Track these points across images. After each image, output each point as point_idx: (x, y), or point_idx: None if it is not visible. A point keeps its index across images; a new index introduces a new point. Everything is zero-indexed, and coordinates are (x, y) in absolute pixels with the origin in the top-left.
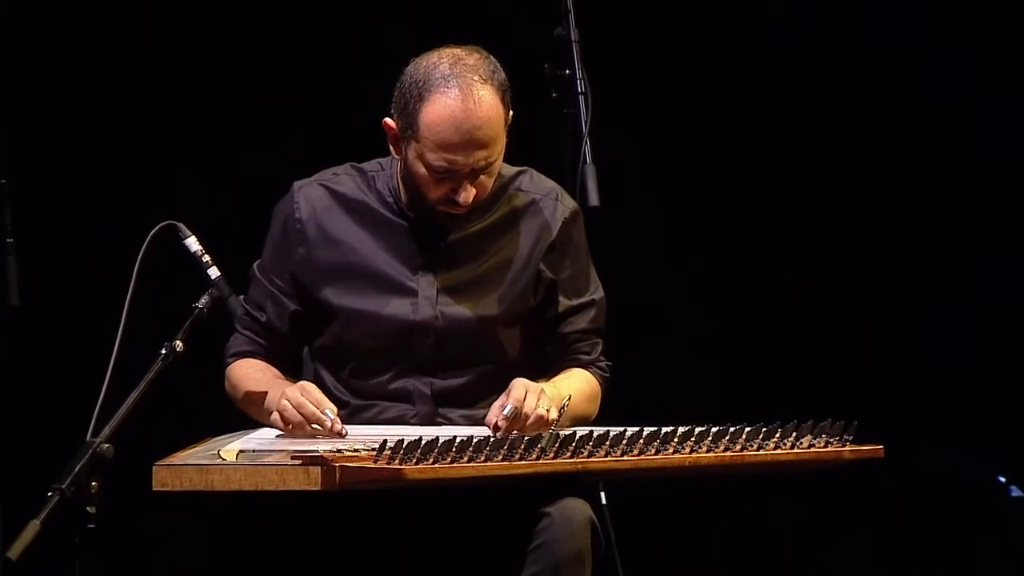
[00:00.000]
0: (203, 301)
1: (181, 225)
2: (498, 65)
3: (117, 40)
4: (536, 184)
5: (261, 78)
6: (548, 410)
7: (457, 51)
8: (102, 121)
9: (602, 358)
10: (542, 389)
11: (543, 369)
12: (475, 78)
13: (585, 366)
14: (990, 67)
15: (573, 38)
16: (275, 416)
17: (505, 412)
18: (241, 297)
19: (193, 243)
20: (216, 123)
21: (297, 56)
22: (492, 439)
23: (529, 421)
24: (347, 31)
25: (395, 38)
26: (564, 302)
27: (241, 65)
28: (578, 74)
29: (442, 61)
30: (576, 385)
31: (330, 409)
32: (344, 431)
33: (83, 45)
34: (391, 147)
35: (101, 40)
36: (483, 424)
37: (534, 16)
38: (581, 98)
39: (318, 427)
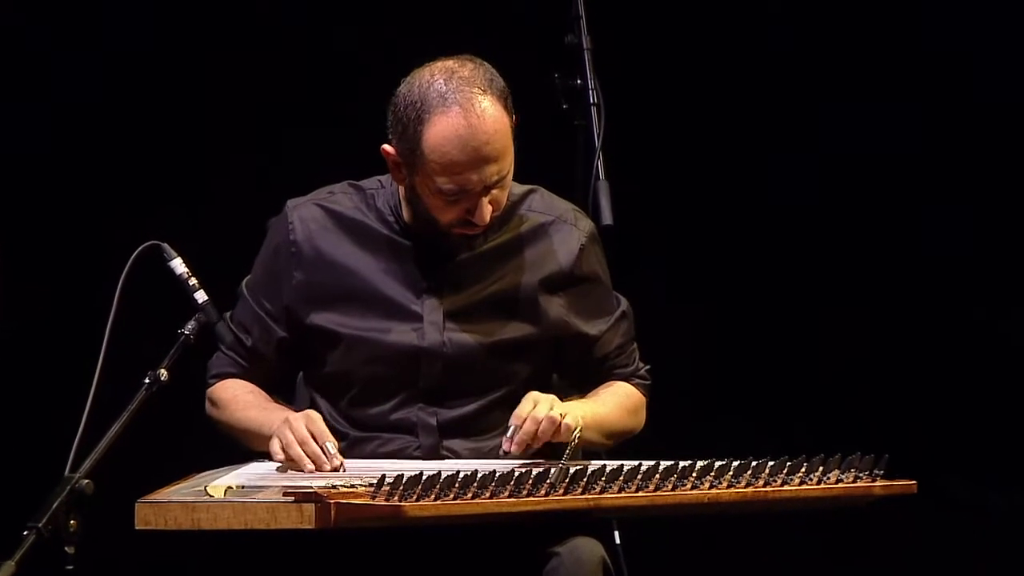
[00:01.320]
0: (189, 327)
1: (166, 246)
2: (495, 71)
3: (101, 51)
4: (547, 204)
5: (250, 89)
6: (561, 414)
7: (449, 63)
8: (79, 135)
9: (641, 365)
10: (553, 398)
11: (578, 390)
12: (474, 90)
13: (626, 379)
14: (992, 66)
15: (585, 46)
16: (276, 446)
17: (508, 434)
18: (228, 314)
19: (179, 265)
20: (201, 138)
21: (290, 65)
22: (498, 474)
23: (540, 428)
24: (345, 40)
25: (396, 48)
26: (599, 326)
27: (229, 76)
28: (590, 84)
29: (435, 78)
30: (614, 400)
31: (332, 443)
32: (343, 466)
33: (65, 56)
34: (392, 174)
35: (84, 51)
36: (490, 456)
37: (543, 23)
38: (593, 109)
39: (317, 470)
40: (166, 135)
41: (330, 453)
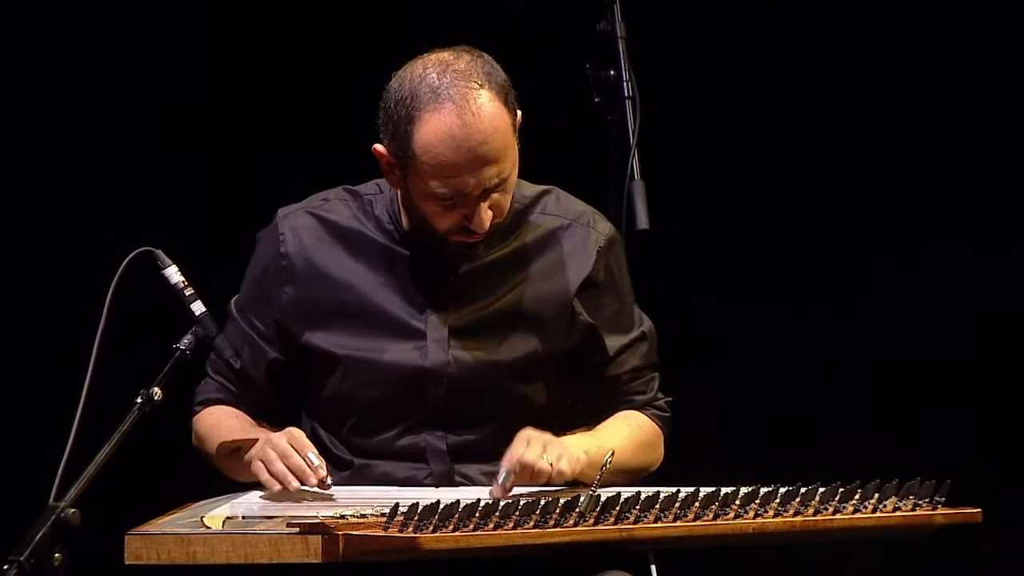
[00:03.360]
0: (185, 341)
1: (159, 252)
2: (495, 64)
3: (91, 49)
4: (563, 206)
5: (248, 86)
6: (552, 462)
7: (444, 55)
8: (67, 133)
9: (660, 395)
10: (547, 440)
11: (591, 417)
12: (470, 85)
13: (640, 408)
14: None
15: (619, 33)
16: (258, 466)
17: (500, 480)
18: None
19: (174, 273)
20: (197, 139)
21: (291, 60)
22: (522, 502)
23: (528, 475)
24: (350, 27)
25: (406, 38)
26: (613, 342)
27: (226, 72)
28: (624, 75)
29: (428, 71)
30: (624, 432)
31: (314, 453)
32: (330, 486)
33: (53, 54)
34: (385, 177)
35: (72, 49)
36: None
37: (574, 8)
38: (628, 103)
39: (303, 484)
40: (159, 134)
41: (314, 464)
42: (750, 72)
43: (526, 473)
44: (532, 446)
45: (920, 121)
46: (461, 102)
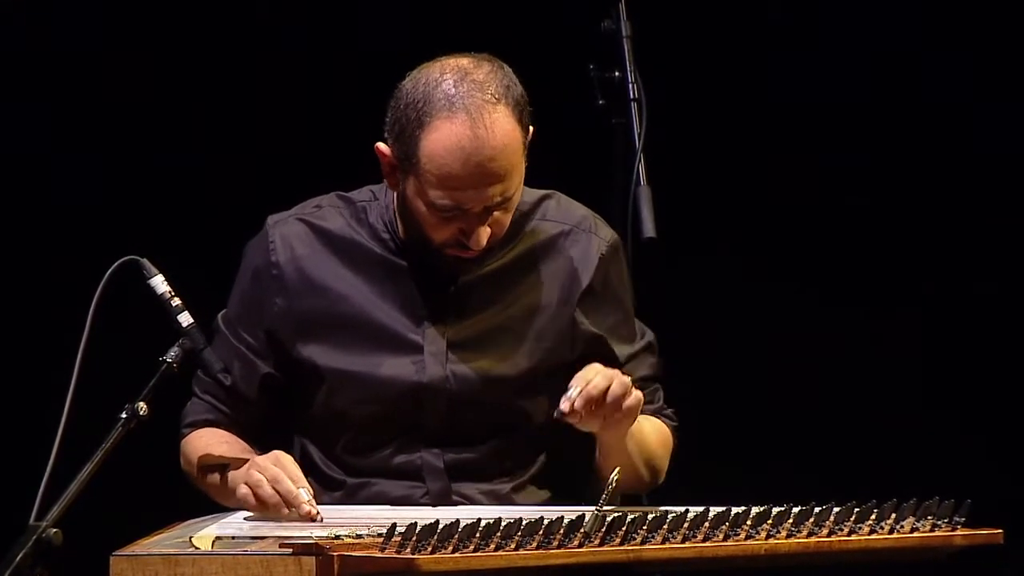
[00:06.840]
0: (172, 354)
1: (145, 261)
2: (513, 77)
3: (78, 58)
4: (564, 212)
5: (241, 89)
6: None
7: (463, 62)
8: (48, 139)
9: (666, 406)
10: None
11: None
12: (486, 97)
13: (651, 416)
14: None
15: (624, 33)
16: (244, 491)
17: (570, 394)
18: None
19: (160, 283)
20: (186, 146)
21: (284, 62)
22: (524, 522)
23: (612, 387)
24: (347, 29)
25: (404, 38)
26: (621, 351)
27: (218, 75)
28: (630, 76)
29: (445, 77)
30: (647, 425)
31: (305, 488)
32: (320, 517)
33: (41, 59)
34: (385, 178)
35: (60, 56)
36: (509, 501)
37: (577, 5)
38: (634, 105)
39: (292, 510)
40: (146, 140)
41: (304, 496)
42: (760, 72)
43: (607, 383)
44: (607, 370)
45: (925, 122)
46: (476, 114)
